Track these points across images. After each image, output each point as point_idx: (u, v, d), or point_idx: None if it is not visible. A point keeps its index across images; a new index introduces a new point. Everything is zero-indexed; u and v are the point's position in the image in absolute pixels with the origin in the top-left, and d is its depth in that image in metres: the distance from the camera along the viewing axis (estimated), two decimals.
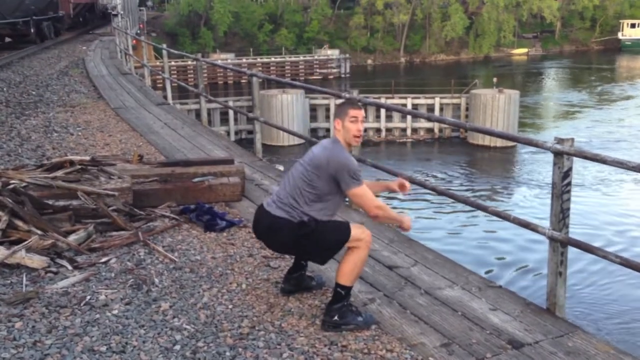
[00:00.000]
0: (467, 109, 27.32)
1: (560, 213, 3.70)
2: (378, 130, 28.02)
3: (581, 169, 19.26)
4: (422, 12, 58.73)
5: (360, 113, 3.57)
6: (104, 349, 3.22)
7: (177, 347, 3.26)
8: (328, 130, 27.17)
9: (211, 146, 8.31)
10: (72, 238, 4.56)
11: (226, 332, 3.41)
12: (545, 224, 3.89)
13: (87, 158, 6.11)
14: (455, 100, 28.27)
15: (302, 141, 19.20)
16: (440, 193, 5.33)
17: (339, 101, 3.66)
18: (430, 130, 27.78)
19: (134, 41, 21.28)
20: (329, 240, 3.45)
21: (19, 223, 4.51)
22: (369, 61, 58.48)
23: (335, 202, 3.51)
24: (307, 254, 3.65)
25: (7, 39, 22.26)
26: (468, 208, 13.58)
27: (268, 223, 3.49)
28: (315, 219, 3.42)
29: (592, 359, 3.18)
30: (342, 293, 3.46)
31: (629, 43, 64.62)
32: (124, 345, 3.26)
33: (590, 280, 11.63)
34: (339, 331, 3.42)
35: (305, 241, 3.44)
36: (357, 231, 3.46)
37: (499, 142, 24.39)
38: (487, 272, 11.40)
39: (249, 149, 8.68)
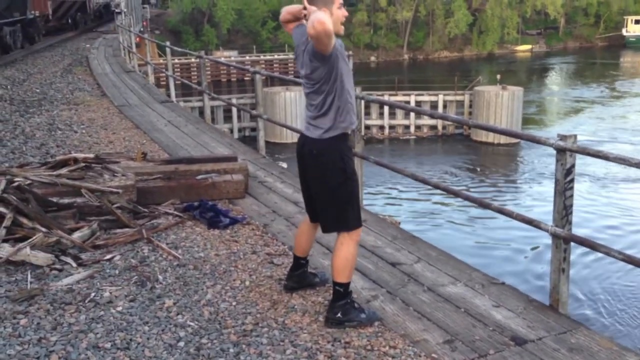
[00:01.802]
0: (470, 106, 27.29)
1: (563, 210, 3.70)
2: (381, 127, 28.01)
3: (585, 166, 19.23)
4: (425, 8, 58.63)
5: None
6: (108, 345, 3.24)
7: (181, 343, 3.27)
8: None
9: (214, 143, 8.32)
10: (76, 235, 4.58)
11: (230, 329, 3.42)
12: (549, 220, 3.89)
13: (91, 156, 6.12)
14: (458, 97, 28.24)
15: None
16: (443, 190, 5.34)
17: None
18: (433, 127, 27.76)
19: (138, 39, 21.31)
20: (346, 200, 3.41)
21: (24, 220, 4.53)
22: (372, 58, 58.41)
23: (342, 82, 3.34)
24: (324, 194, 3.47)
25: None
26: (471, 205, 13.58)
27: (309, 147, 3.42)
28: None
29: (595, 356, 3.19)
30: (341, 290, 3.46)
31: (633, 39, 64.37)
32: (128, 341, 3.28)
33: (593, 277, 11.62)
34: (342, 328, 3.43)
35: (338, 178, 3.38)
36: (359, 231, 3.49)
37: (503, 139, 24.36)
38: (490, 269, 11.39)
39: (252, 147, 8.69)
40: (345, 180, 3.41)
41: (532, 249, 12.92)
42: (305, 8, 3.31)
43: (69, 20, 28.99)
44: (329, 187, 3.41)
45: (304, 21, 3.50)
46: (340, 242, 3.46)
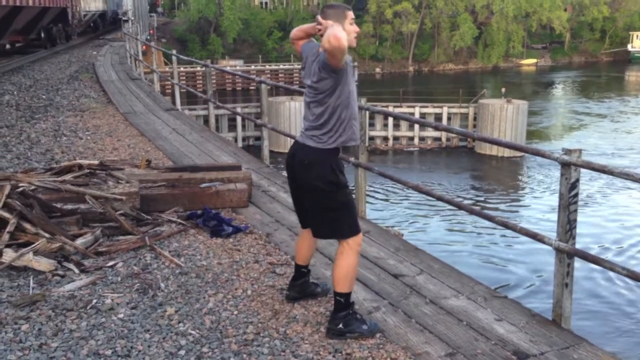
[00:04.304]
0: (475, 119, 27.28)
1: (567, 224, 3.69)
2: (385, 138, 28.02)
3: (589, 180, 19.19)
4: (431, 21, 58.85)
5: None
6: (109, 352, 3.23)
7: (182, 352, 3.26)
8: None
9: (219, 152, 8.34)
10: (79, 241, 4.58)
11: (231, 338, 3.41)
12: (553, 234, 3.88)
13: (96, 162, 6.14)
14: (463, 110, 28.25)
15: None
16: (447, 202, 5.33)
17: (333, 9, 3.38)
18: (437, 139, 27.75)
19: (144, 47, 21.43)
20: (341, 211, 3.43)
21: (27, 226, 4.54)
22: (378, 69, 58.59)
23: (345, 95, 3.38)
24: (317, 205, 3.49)
25: None
26: (475, 218, 13.55)
27: (301, 156, 3.44)
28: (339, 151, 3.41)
29: None
30: (341, 301, 3.46)
31: (639, 55, 64.46)
32: (129, 349, 3.27)
33: (597, 292, 11.56)
34: (343, 339, 3.42)
35: (328, 188, 3.38)
36: (359, 238, 3.49)
37: (507, 152, 24.33)
38: (492, 282, 11.35)
39: (257, 156, 8.70)
40: (336, 191, 3.43)
41: (536, 262, 12.87)
42: (319, 24, 3.34)
43: (42, 35, 21.87)
44: (320, 197, 3.43)
45: (312, 38, 3.59)
46: (340, 252, 3.47)
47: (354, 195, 4.32)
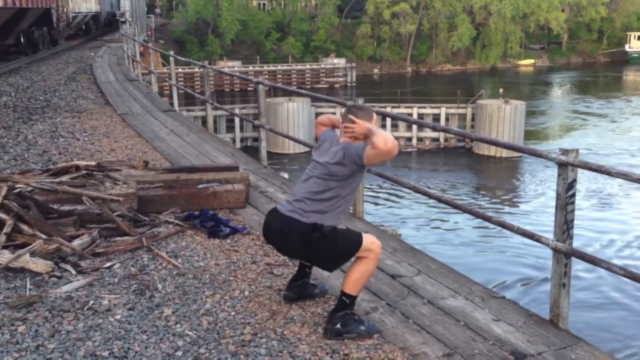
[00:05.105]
0: (473, 119, 27.32)
1: (565, 224, 3.69)
2: None
3: (587, 180, 19.22)
4: (428, 22, 58.90)
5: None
6: (106, 354, 3.22)
7: (179, 353, 3.26)
8: None
9: (216, 153, 8.33)
10: (76, 243, 4.57)
11: (228, 339, 3.41)
12: (550, 235, 3.88)
13: (93, 163, 6.13)
14: (461, 110, 28.28)
15: (308, 149, 19.21)
16: (444, 203, 5.33)
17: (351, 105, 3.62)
18: (435, 140, 27.79)
19: (142, 48, 21.40)
20: (340, 249, 3.45)
21: (24, 227, 4.53)
22: (376, 70, 58.62)
23: (353, 187, 3.47)
24: (316, 261, 3.61)
25: None
26: (472, 218, 13.56)
27: (280, 226, 3.46)
28: (329, 226, 3.41)
29: None
30: (346, 302, 3.46)
31: (636, 55, 64.59)
32: (126, 350, 3.26)
33: (594, 292, 11.57)
34: (341, 339, 3.42)
35: (317, 246, 3.41)
36: (368, 242, 3.46)
37: (505, 153, 24.36)
38: (490, 283, 11.36)
39: (254, 156, 8.70)
40: (324, 238, 3.41)
41: (533, 263, 12.88)
42: (352, 122, 3.41)
43: (22, 40, 19.29)
44: (310, 249, 3.44)
45: (335, 130, 3.73)
46: (363, 255, 3.45)
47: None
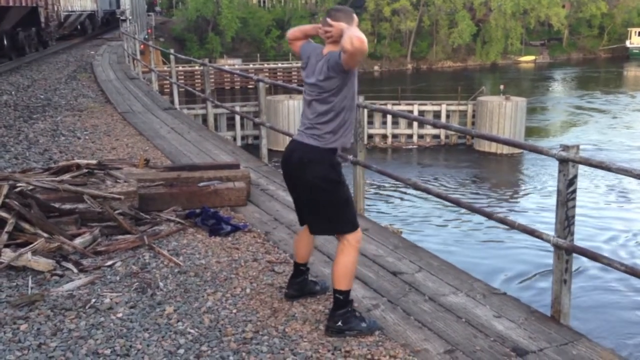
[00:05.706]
0: (473, 116, 27.27)
1: (565, 220, 3.70)
2: (384, 136, 28.00)
3: (587, 176, 19.19)
4: (429, 19, 58.78)
5: None
6: (108, 352, 3.23)
7: (181, 350, 3.26)
8: None
9: (217, 151, 8.33)
10: (78, 241, 4.58)
11: (230, 337, 3.41)
12: (551, 231, 3.88)
13: (94, 162, 6.13)
14: (461, 107, 28.22)
15: None
16: (445, 199, 5.33)
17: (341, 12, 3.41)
18: (436, 137, 27.75)
19: (142, 46, 21.40)
20: (340, 210, 3.44)
21: (26, 226, 4.54)
22: (376, 67, 58.53)
23: (352, 93, 3.41)
24: (314, 210, 3.51)
25: None
26: (473, 214, 13.55)
27: (300, 154, 3.42)
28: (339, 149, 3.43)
29: None
30: (341, 298, 3.46)
31: (637, 51, 64.51)
32: (128, 348, 3.27)
33: (596, 288, 11.57)
34: (342, 337, 3.42)
35: (324, 189, 3.38)
36: (359, 234, 3.50)
37: (506, 149, 24.33)
38: (491, 279, 11.37)
39: (255, 154, 8.70)
40: (336, 188, 3.44)
41: (534, 259, 12.87)
42: (329, 25, 3.34)
43: (4, 42, 17.52)
44: (320, 195, 3.43)
45: (310, 40, 3.62)
46: (340, 249, 3.47)
47: (352, 193, 4.32)
